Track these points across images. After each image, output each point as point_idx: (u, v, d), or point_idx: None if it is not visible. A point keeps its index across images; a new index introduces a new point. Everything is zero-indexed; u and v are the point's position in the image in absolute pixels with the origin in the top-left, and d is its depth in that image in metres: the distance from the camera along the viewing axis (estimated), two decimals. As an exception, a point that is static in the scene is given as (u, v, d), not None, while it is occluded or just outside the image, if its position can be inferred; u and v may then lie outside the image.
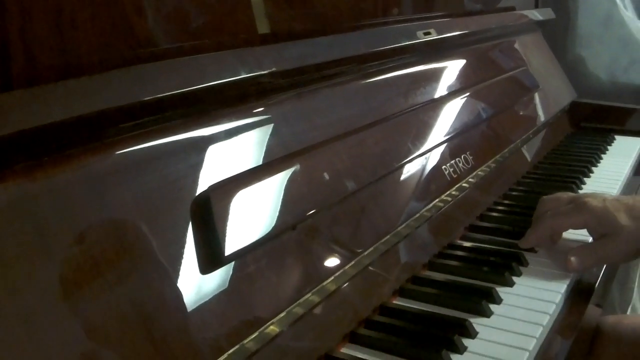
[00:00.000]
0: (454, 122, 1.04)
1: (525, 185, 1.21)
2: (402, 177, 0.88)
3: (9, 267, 0.45)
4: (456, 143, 1.03)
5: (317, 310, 0.68)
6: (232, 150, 0.64)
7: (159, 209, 0.56)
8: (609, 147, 1.48)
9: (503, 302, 0.77)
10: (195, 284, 0.56)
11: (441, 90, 1.06)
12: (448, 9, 1.25)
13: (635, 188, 1.30)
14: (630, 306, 1.69)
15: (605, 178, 1.27)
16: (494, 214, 1.06)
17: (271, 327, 0.62)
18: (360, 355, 0.68)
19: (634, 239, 0.84)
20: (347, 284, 0.73)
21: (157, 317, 0.53)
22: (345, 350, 0.69)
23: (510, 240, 0.94)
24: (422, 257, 0.87)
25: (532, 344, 0.68)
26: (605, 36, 1.88)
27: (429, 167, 0.94)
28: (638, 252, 0.85)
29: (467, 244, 0.94)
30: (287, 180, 0.68)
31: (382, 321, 0.73)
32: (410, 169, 0.89)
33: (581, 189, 1.20)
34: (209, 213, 0.58)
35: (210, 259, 0.58)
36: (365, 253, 0.76)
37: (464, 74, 1.15)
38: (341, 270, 0.72)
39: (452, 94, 1.08)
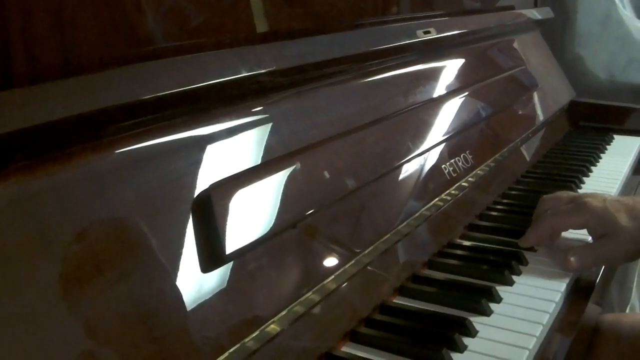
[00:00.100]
0: (453, 121, 1.04)
1: (525, 185, 1.21)
2: (402, 176, 0.88)
3: (9, 266, 0.45)
4: (455, 142, 1.03)
5: (318, 309, 0.68)
6: (232, 149, 0.64)
7: (160, 207, 0.56)
8: (607, 147, 1.49)
9: (503, 300, 0.77)
10: (196, 282, 0.56)
11: (440, 89, 1.06)
12: (447, 8, 1.25)
13: (634, 187, 1.31)
14: (628, 305, 1.69)
15: (605, 177, 1.27)
16: (494, 213, 1.06)
17: (272, 325, 0.62)
18: (360, 354, 0.68)
19: (633, 240, 0.84)
20: (347, 282, 0.73)
21: (159, 315, 0.53)
22: (346, 349, 0.69)
23: (509, 239, 0.94)
24: (422, 256, 0.87)
25: (532, 343, 0.69)
26: (603, 35, 1.88)
27: (428, 166, 0.94)
28: (637, 253, 0.85)
29: (467, 243, 0.94)
30: (288, 179, 0.68)
31: (383, 320, 0.73)
32: (410, 168, 0.89)
33: (580, 188, 1.20)
34: (210, 211, 0.58)
35: (211, 257, 0.58)
36: (365, 252, 0.76)
37: (463, 73, 1.15)
38: (341, 269, 0.72)
39: (452, 93, 1.08)
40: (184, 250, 0.56)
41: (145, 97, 0.55)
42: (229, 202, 0.60)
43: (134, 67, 0.57)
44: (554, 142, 1.51)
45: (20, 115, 0.47)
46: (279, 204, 0.65)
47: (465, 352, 0.67)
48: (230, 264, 0.60)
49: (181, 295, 0.55)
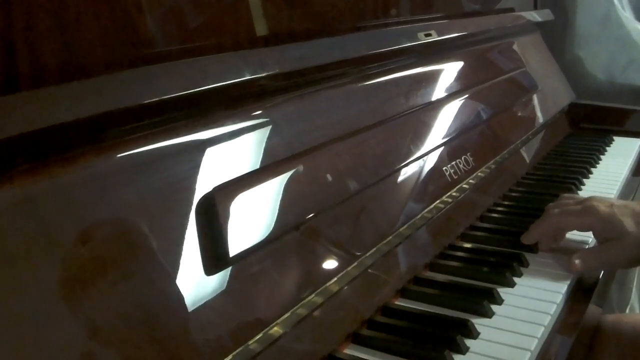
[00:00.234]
0: (454, 123, 1.04)
1: (525, 186, 1.22)
2: (404, 178, 0.88)
3: (14, 267, 0.45)
4: (456, 144, 1.04)
5: (320, 311, 0.68)
6: (235, 152, 0.65)
7: (164, 210, 0.56)
8: (607, 148, 1.49)
9: (504, 302, 0.78)
10: (199, 285, 0.56)
11: (441, 91, 1.06)
12: (448, 11, 1.25)
13: (634, 188, 1.31)
14: (628, 306, 1.69)
15: (605, 179, 1.27)
16: (494, 214, 1.07)
17: (275, 328, 0.62)
18: (363, 356, 0.68)
19: (637, 246, 0.85)
20: (349, 285, 0.73)
21: (162, 317, 0.53)
22: (348, 350, 0.69)
23: (510, 241, 0.94)
24: (423, 258, 0.88)
25: (534, 344, 0.69)
26: (603, 36, 1.89)
27: (430, 168, 0.94)
28: None
29: (468, 245, 0.94)
30: (290, 182, 0.68)
31: (385, 322, 0.74)
32: (411, 170, 0.90)
33: (580, 189, 1.21)
34: (213, 214, 0.59)
35: (214, 260, 0.58)
36: (367, 254, 0.76)
37: (463, 75, 1.16)
38: (343, 271, 0.72)
39: (452, 95, 1.09)
40: (188, 253, 0.57)
41: (149, 101, 0.55)
42: (232, 204, 0.60)
43: (137, 70, 0.58)
44: (554, 144, 1.51)
45: (23, 118, 0.47)
46: (281, 206, 0.66)
47: (468, 354, 0.67)
48: (234, 266, 0.60)
49: (185, 298, 0.55)
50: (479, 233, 0.99)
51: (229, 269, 0.59)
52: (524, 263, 0.88)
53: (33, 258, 0.47)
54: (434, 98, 1.03)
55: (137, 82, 0.56)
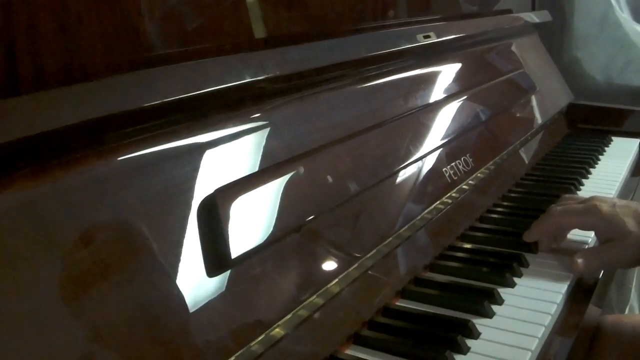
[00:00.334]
0: (453, 124, 1.05)
1: (524, 187, 1.22)
2: (404, 180, 0.88)
3: (15, 269, 0.45)
4: (456, 145, 1.04)
5: (321, 313, 0.69)
6: (236, 154, 0.65)
7: (165, 212, 0.56)
8: (606, 149, 1.49)
9: (505, 302, 0.78)
10: (201, 286, 0.57)
11: (440, 93, 1.07)
12: (446, 12, 1.26)
13: (633, 189, 1.31)
14: (627, 306, 1.69)
15: (603, 179, 1.28)
16: (494, 215, 1.07)
17: (276, 329, 0.62)
18: (364, 356, 0.68)
19: (639, 247, 0.85)
20: (350, 286, 0.73)
21: (165, 319, 0.53)
22: (350, 351, 0.69)
23: (510, 241, 0.95)
24: (423, 259, 0.88)
25: (535, 344, 0.69)
26: (601, 37, 1.89)
27: (429, 170, 0.94)
28: None
29: (468, 246, 0.95)
30: (291, 184, 0.68)
31: (386, 322, 0.74)
32: (411, 172, 0.90)
33: (579, 190, 1.21)
34: (215, 216, 0.59)
35: (216, 261, 0.58)
36: (368, 255, 0.77)
37: (462, 76, 1.16)
38: (344, 273, 0.72)
39: (451, 96, 1.09)
40: (190, 255, 0.57)
41: (150, 104, 0.56)
42: (234, 206, 0.61)
43: (138, 73, 0.58)
44: (553, 145, 1.52)
45: (24, 121, 0.47)
46: (282, 208, 0.66)
47: (469, 354, 0.68)
48: (235, 268, 0.60)
49: (187, 299, 0.55)
50: (479, 234, 0.99)
51: (231, 270, 0.60)
52: (524, 263, 0.88)
53: (34, 260, 0.47)
54: (433, 100, 1.04)
55: (138, 85, 0.56)
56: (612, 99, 1.82)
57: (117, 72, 0.57)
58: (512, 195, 1.17)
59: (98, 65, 0.57)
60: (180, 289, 0.55)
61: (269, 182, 0.66)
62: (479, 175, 1.08)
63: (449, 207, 0.97)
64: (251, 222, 0.62)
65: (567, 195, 1.01)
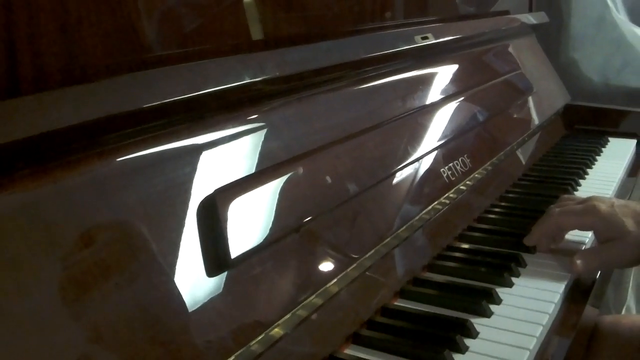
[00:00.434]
0: (451, 125, 1.05)
1: (522, 188, 1.22)
2: (402, 180, 0.88)
3: (16, 270, 0.46)
4: (453, 146, 1.04)
5: (320, 312, 0.69)
6: (236, 155, 0.65)
7: (165, 213, 0.57)
8: (603, 149, 1.50)
9: (503, 302, 0.78)
10: (201, 286, 0.57)
11: (438, 94, 1.07)
12: (443, 14, 1.26)
13: (629, 189, 1.31)
14: (624, 306, 1.70)
15: (600, 180, 1.28)
16: (492, 215, 1.07)
17: (276, 329, 0.63)
18: (363, 356, 0.68)
19: (638, 246, 0.85)
20: (349, 286, 0.74)
21: (165, 319, 0.53)
22: (349, 351, 0.70)
23: (508, 242, 0.95)
24: (422, 259, 0.88)
25: (533, 343, 0.69)
26: (598, 38, 1.90)
27: (427, 170, 0.94)
28: None
29: (466, 246, 0.95)
30: (290, 184, 0.68)
31: (384, 322, 0.74)
32: (409, 172, 0.90)
33: (576, 190, 1.21)
34: (214, 216, 0.59)
35: (216, 262, 0.58)
36: (367, 255, 0.77)
37: (460, 77, 1.16)
38: (343, 273, 0.73)
39: (449, 97, 1.09)
40: (190, 255, 0.57)
41: (150, 105, 0.56)
42: (233, 207, 0.61)
43: (138, 74, 0.58)
44: (550, 146, 1.52)
45: (25, 123, 0.47)
46: (282, 208, 0.66)
47: (467, 353, 0.68)
48: (235, 268, 0.60)
49: (187, 299, 0.55)
50: (477, 234, 0.99)
51: (231, 270, 0.60)
52: (522, 263, 0.88)
53: (35, 261, 0.47)
54: (431, 101, 1.04)
55: (138, 85, 0.56)
56: (609, 100, 1.82)
57: (117, 73, 0.57)
58: (510, 195, 1.17)
59: (98, 66, 0.57)
60: (181, 289, 0.55)
61: (268, 182, 0.66)
62: (476, 175, 1.08)
63: (446, 207, 0.97)
64: (251, 223, 0.62)
65: (565, 196, 1.01)
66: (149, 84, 0.57)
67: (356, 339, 0.71)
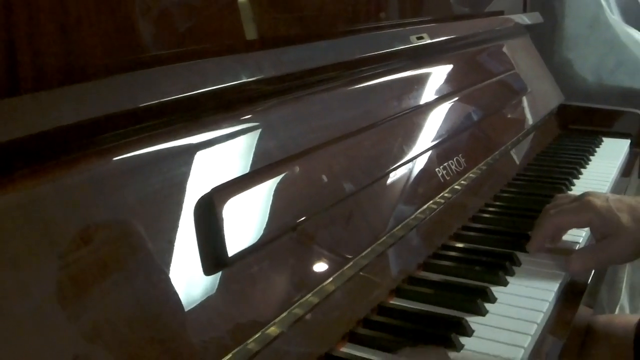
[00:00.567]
0: (446, 125, 1.05)
1: (516, 187, 1.23)
2: (397, 180, 0.89)
3: (15, 269, 0.46)
4: (448, 146, 1.05)
5: (317, 311, 0.69)
6: (233, 154, 0.66)
7: (163, 211, 0.57)
8: (597, 149, 1.51)
9: (498, 301, 0.79)
10: (199, 285, 0.57)
11: (433, 93, 1.08)
12: (438, 14, 1.26)
13: (623, 189, 1.32)
14: (618, 306, 1.70)
15: (594, 179, 1.29)
16: (486, 215, 1.08)
17: (272, 328, 0.63)
18: (359, 354, 0.69)
19: (634, 242, 0.85)
20: (345, 284, 0.74)
21: (163, 317, 0.53)
22: (345, 349, 0.70)
23: (503, 241, 0.96)
24: (417, 258, 0.89)
25: (527, 341, 0.70)
26: (592, 39, 1.90)
27: (422, 170, 0.95)
28: (638, 253, 0.86)
29: (461, 245, 0.95)
30: (287, 183, 0.69)
31: (381, 321, 0.74)
32: (405, 172, 0.91)
33: (571, 189, 1.22)
34: (212, 215, 0.59)
35: (214, 260, 0.59)
36: (362, 254, 0.77)
37: (455, 77, 1.17)
38: (339, 272, 0.73)
39: (444, 97, 1.10)
40: (187, 254, 0.57)
41: (149, 103, 0.56)
42: (231, 205, 0.61)
43: (137, 73, 0.58)
44: (544, 145, 1.53)
45: (24, 121, 0.48)
46: (278, 207, 0.66)
47: (462, 351, 0.68)
48: (232, 266, 0.61)
49: (185, 298, 0.55)
50: (472, 233, 1.00)
51: (228, 269, 0.60)
52: (517, 262, 0.89)
53: (34, 259, 0.47)
54: (426, 100, 1.04)
55: (136, 85, 0.57)
56: (602, 100, 1.83)
57: (116, 73, 0.58)
58: (505, 195, 1.18)
59: (97, 66, 0.58)
60: (178, 287, 0.55)
61: (265, 181, 0.66)
62: (471, 175, 1.09)
63: (441, 206, 0.97)
64: (247, 221, 0.63)
65: (560, 195, 1.01)
66: (147, 83, 0.58)
67: (352, 338, 0.72)
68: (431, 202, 0.94)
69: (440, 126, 1.04)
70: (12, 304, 0.45)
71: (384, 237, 0.82)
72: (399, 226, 0.85)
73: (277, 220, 0.66)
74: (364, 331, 0.72)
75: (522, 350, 0.68)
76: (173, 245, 0.57)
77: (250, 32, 0.77)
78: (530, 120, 1.43)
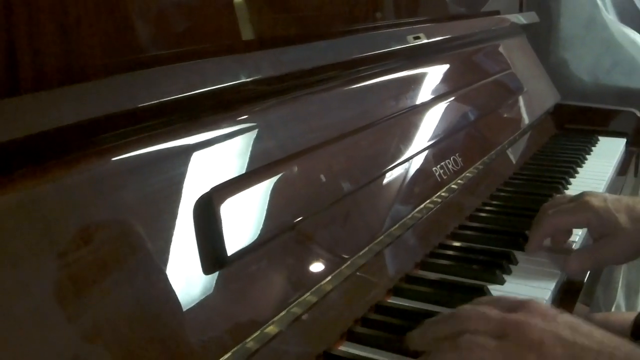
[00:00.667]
0: (443, 124, 1.06)
1: (513, 186, 1.23)
2: (395, 179, 0.89)
3: (15, 268, 0.46)
4: (445, 145, 1.05)
5: (315, 310, 0.69)
6: (232, 153, 0.66)
7: (163, 211, 0.57)
8: (593, 148, 1.51)
9: (495, 299, 0.79)
10: (198, 284, 0.57)
11: (430, 93, 1.08)
12: (435, 14, 1.27)
13: (619, 188, 1.33)
14: (614, 305, 1.71)
15: (590, 178, 1.29)
16: (483, 214, 1.08)
17: (271, 326, 0.63)
18: (358, 353, 0.69)
19: (631, 242, 0.85)
20: (342, 283, 0.74)
21: (163, 316, 0.54)
22: (343, 347, 0.70)
23: (499, 239, 0.96)
24: (414, 257, 0.89)
25: (525, 340, 0.70)
26: (587, 39, 1.91)
27: (420, 169, 0.95)
28: (635, 253, 0.86)
29: (458, 244, 0.96)
30: (286, 182, 0.69)
31: (378, 319, 0.75)
32: (402, 171, 0.91)
33: (567, 189, 1.22)
34: (211, 214, 0.60)
35: (213, 259, 0.59)
36: (360, 253, 0.78)
37: (451, 77, 1.17)
38: (337, 271, 0.73)
39: (441, 97, 1.10)
40: (186, 253, 0.57)
41: (148, 104, 0.56)
42: (230, 204, 0.61)
43: (136, 73, 0.58)
44: (541, 145, 1.53)
45: (24, 121, 0.48)
46: (277, 206, 0.67)
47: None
48: (231, 265, 0.61)
49: (184, 297, 0.56)
50: (469, 232, 1.00)
51: (227, 268, 0.60)
52: (513, 261, 0.89)
53: (34, 259, 0.47)
54: (423, 100, 1.05)
55: (136, 85, 0.57)
56: (598, 99, 1.84)
57: (115, 73, 0.58)
58: (501, 194, 1.18)
59: (97, 66, 0.58)
60: (178, 286, 0.56)
61: (264, 181, 0.67)
62: (468, 174, 1.09)
63: (438, 206, 0.98)
64: (246, 220, 0.63)
65: (559, 196, 1.01)
66: (147, 83, 0.58)
67: (350, 336, 0.72)
68: (428, 201, 0.95)
69: (437, 126, 1.04)
70: (11, 303, 0.45)
71: (382, 237, 0.82)
72: (396, 225, 0.86)
73: (276, 220, 0.66)
74: (362, 330, 0.73)
75: (520, 349, 0.68)
76: (172, 245, 0.57)
77: (249, 33, 0.77)
78: (526, 119, 1.44)
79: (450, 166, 1.03)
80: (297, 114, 0.78)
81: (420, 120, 1.01)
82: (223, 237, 0.60)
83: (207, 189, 0.61)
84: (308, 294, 0.69)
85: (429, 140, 1.00)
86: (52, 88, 0.52)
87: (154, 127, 0.59)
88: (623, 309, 1.72)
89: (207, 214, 0.60)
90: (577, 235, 0.97)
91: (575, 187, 1.24)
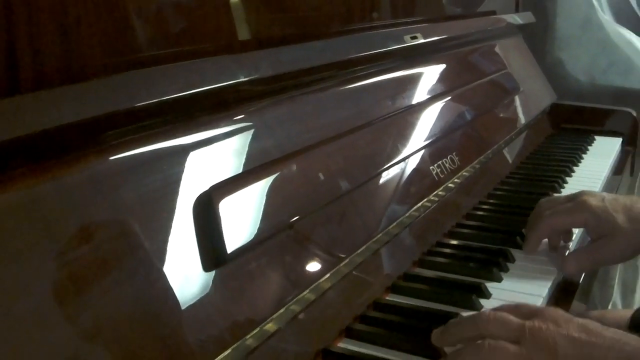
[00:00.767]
0: (439, 124, 1.06)
1: (509, 185, 1.24)
2: (392, 178, 0.90)
3: (15, 267, 0.46)
4: (442, 144, 1.05)
5: (313, 307, 0.70)
6: (231, 152, 0.66)
7: (163, 209, 0.57)
8: (589, 148, 1.52)
9: (492, 296, 0.79)
10: (198, 282, 0.58)
11: (427, 93, 1.08)
12: (432, 14, 1.27)
13: (615, 187, 1.33)
14: (610, 302, 1.71)
15: (587, 177, 1.30)
16: (480, 212, 1.08)
17: (270, 324, 0.64)
18: (356, 349, 0.69)
19: (629, 242, 0.85)
20: (341, 281, 0.74)
21: (163, 313, 0.54)
22: (342, 344, 0.71)
23: (496, 238, 0.97)
24: (412, 255, 0.89)
25: (522, 336, 0.70)
26: (584, 39, 1.92)
27: (417, 169, 0.96)
28: (633, 253, 0.86)
29: (455, 242, 0.96)
30: (284, 181, 0.69)
31: (377, 316, 0.75)
32: (399, 170, 0.91)
33: (563, 188, 1.23)
34: (211, 212, 0.60)
35: (213, 257, 0.59)
36: (358, 251, 0.78)
37: (448, 77, 1.18)
38: (335, 269, 0.74)
39: (438, 96, 1.11)
40: (186, 251, 0.58)
41: (147, 103, 0.57)
42: (229, 203, 0.62)
43: (136, 73, 0.59)
44: (537, 144, 1.54)
45: (24, 121, 0.48)
46: (276, 205, 0.67)
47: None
48: (231, 263, 0.61)
49: (184, 295, 0.56)
50: (466, 230, 1.01)
51: (226, 266, 0.61)
52: (510, 259, 0.90)
53: (33, 258, 0.47)
54: (420, 99, 1.05)
55: (135, 84, 0.57)
56: (594, 99, 1.84)
57: (115, 72, 0.58)
58: (498, 193, 1.18)
59: (96, 66, 0.58)
60: (178, 284, 0.56)
61: (262, 179, 0.67)
62: (464, 173, 1.10)
63: (436, 204, 0.98)
64: (246, 219, 0.63)
65: (556, 195, 1.01)
66: (146, 82, 0.58)
67: (349, 333, 0.72)
68: (425, 200, 0.95)
69: (434, 125, 1.05)
70: (11, 302, 0.45)
71: (379, 235, 0.83)
72: (394, 224, 0.86)
73: (274, 218, 0.66)
74: (361, 327, 0.73)
75: (517, 345, 0.69)
76: (172, 243, 0.57)
77: (246, 33, 0.78)
78: (522, 119, 1.44)
79: (447, 165, 1.04)
80: (294, 113, 0.78)
81: (417, 119, 1.01)
82: (223, 235, 0.60)
83: (205, 188, 0.61)
84: (306, 291, 0.69)
85: (426, 140, 1.00)
86: (52, 88, 0.52)
87: (153, 126, 0.59)
88: (619, 306, 1.73)
89: (207, 212, 0.60)
90: (573, 235, 0.97)
91: (571, 186, 1.24)
